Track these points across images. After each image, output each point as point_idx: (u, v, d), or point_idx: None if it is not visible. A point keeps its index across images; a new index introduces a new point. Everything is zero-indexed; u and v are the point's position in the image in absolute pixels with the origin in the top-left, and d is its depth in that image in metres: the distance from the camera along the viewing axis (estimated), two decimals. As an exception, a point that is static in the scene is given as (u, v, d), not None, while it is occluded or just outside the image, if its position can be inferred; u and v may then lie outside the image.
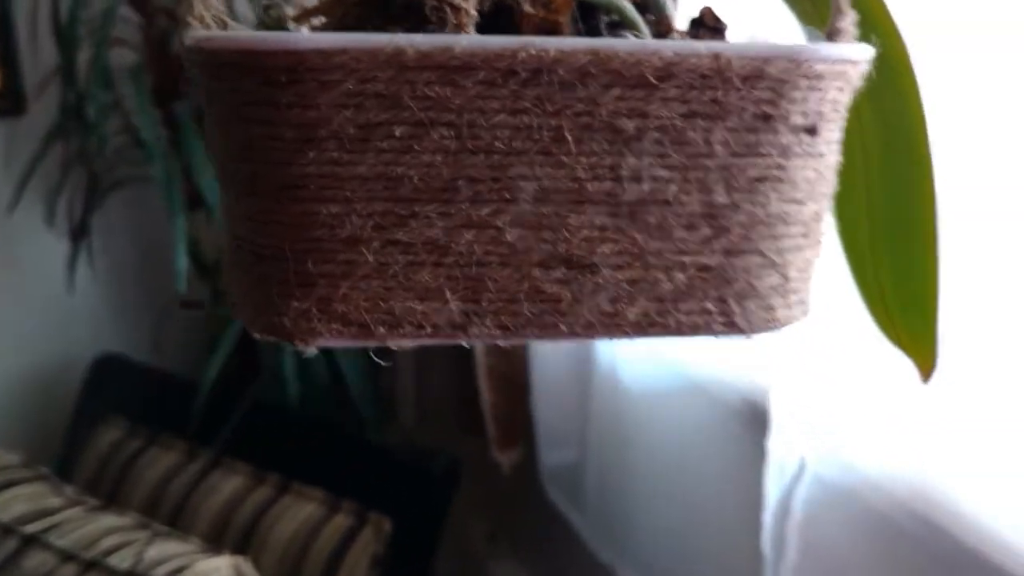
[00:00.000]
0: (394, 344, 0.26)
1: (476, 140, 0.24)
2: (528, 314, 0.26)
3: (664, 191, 0.25)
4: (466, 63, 0.23)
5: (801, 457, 0.85)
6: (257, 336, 0.26)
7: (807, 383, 0.85)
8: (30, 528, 1.32)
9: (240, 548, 1.31)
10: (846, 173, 0.30)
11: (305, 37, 0.23)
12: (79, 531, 1.30)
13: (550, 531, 1.44)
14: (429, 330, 0.25)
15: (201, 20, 0.25)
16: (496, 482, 1.49)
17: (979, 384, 0.72)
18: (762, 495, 0.87)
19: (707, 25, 0.31)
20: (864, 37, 0.28)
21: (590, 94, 0.24)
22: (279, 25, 0.28)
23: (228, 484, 1.42)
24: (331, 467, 1.40)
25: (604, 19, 0.30)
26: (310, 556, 1.33)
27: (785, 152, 0.25)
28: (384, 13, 0.29)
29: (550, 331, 0.26)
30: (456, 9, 0.25)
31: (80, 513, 1.36)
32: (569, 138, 0.24)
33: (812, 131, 0.25)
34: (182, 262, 1.31)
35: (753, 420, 0.92)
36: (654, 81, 0.24)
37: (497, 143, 0.24)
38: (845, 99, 0.27)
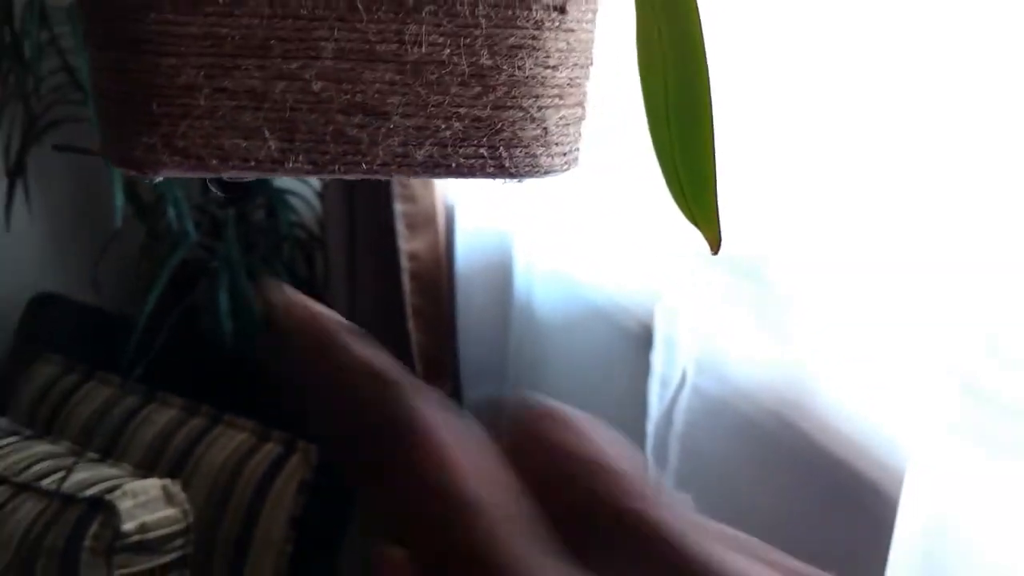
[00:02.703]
0: (226, 175, 0.32)
1: (285, 7, 0.30)
2: (333, 152, 0.32)
3: (440, 54, 0.32)
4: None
5: (683, 370, 0.93)
6: (117, 168, 0.32)
7: (691, 300, 0.92)
8: (-38, 452, 1.35)
9: (172, 475, 1.35)
10: (646, 50, 0.36)
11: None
12: (12, 457, 1.34)
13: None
14: (253, 164, 0.32)
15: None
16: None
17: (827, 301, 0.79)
18: (646, 407, 0.95)
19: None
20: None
21: (376, -30, 0.30)
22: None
23: (162, 416, 1.46)
24: (263, 402, 1.44)
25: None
26: (240, 481, 1.37)
27: (538, 25, 0.32)
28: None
29: (353, 168, 0.32)
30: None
31: (14, 441, 1.39)
32: (360, 7, 0.31)
33: (561, 9, 0.32)
34: (119, 199, 1.35)
35: (645, 340, 0.99)
36: (429, -40, 0.30)
37: (302, 10, 0.31)
38: (592, -16, 0.33)
